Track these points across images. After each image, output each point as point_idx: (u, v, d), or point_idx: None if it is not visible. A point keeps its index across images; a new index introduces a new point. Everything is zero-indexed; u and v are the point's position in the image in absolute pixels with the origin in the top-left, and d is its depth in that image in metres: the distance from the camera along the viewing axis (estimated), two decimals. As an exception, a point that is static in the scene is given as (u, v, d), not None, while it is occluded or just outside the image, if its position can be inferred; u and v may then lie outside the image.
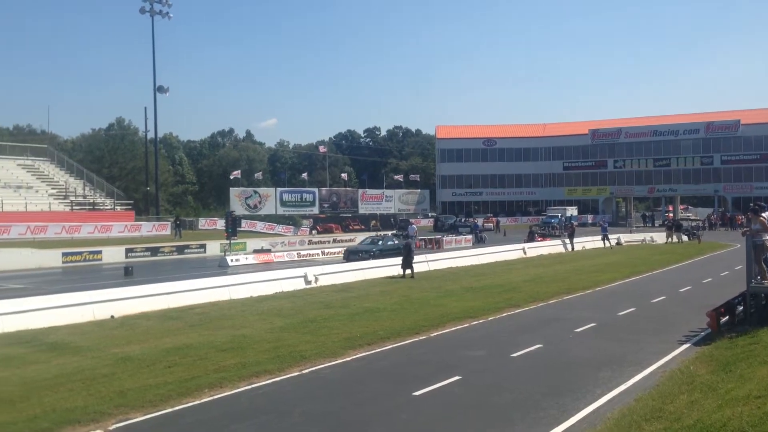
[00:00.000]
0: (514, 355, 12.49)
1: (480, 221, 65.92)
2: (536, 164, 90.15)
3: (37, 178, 55.62)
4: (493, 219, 71.66)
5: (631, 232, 54.54)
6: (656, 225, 71.09)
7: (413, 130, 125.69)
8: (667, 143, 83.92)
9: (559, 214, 67.60)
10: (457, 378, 10.79)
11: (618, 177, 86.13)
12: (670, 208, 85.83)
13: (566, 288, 22.19)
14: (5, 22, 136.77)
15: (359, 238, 52.15)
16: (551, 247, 41.35)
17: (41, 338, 14.35)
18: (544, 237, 50.06)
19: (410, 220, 66.27)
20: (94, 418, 8.86)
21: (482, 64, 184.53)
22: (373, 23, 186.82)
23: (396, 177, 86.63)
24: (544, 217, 70.69)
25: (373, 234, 44.91)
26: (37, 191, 52.96)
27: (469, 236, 51.20)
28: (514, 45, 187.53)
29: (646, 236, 50.17)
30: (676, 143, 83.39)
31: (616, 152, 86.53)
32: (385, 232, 45.38)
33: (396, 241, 36.92)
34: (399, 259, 27.08)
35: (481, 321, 16.44)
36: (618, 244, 45.77)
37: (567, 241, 42.52)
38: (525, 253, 37.16)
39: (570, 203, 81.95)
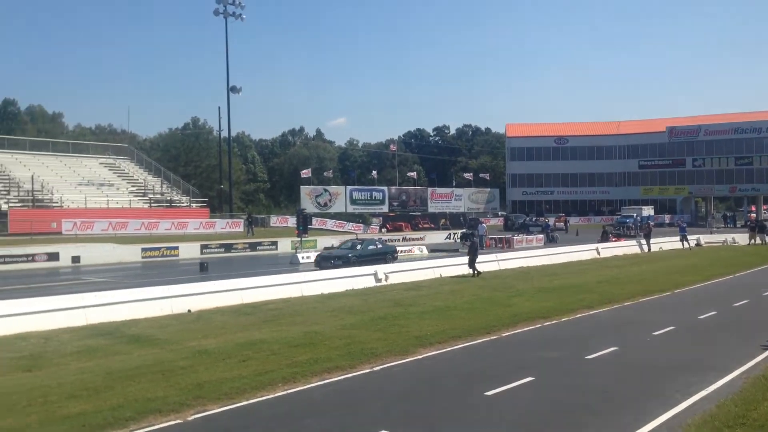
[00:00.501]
0: (589, 357, 12.22)
1: (551, 220, 64.87)
2: (610, 163, 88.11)
3: (118, 176, 57.79)
4: (564, 218, 70.41)
5: (711, 233, 52.57)
6: (738, 226, 68.46)
7: (483, 128, 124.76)
8: (749, 141, 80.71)
9: (635, 214, 65.97)
10: (530, 379, 10.63)
11: (697, 176, 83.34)
12: (753, 209, 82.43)
13: (643, 290, 21.59)
14: (88, 28, 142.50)
15: (429, 236, 52.23)
16: (626, 247, 40.32)
17: (123, 330, 14.89)
18: (618, 237, 48.91)
19: (480, 218, 65.78)
20: (174, 408, 9.11)
21: (553, 61, 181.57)
22: (442, 21, 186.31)
23: (465, 175, 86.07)
24: (618, 216, 69.08)
25: (353, 237, 38.57)
26: (118, 189, 55.02)
27: (541, 236, 50.43)
28: (586, 41, 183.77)
29: (728, 237, 48.33)
30: (759, 141, 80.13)
31: (695, 150, 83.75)
32: (369, 236, 39.64)
33: (380, 246, 33.18)
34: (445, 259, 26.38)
35: (553, 322, 16.16)
36: (697, 245, 44.27)
37: (643, 241, 41.35)
38: (599, 253, 36.35)
39: (646, 203, 79.76)
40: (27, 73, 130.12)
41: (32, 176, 48.64)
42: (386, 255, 31.87)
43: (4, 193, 47.68)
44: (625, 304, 19.00)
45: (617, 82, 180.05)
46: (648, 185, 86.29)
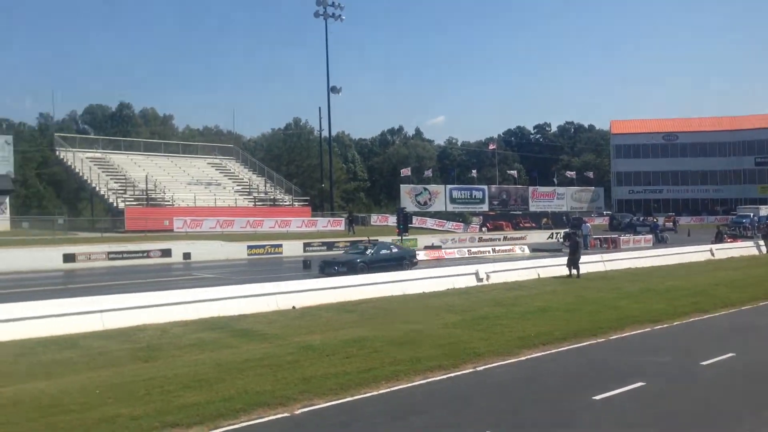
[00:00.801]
0: (704, 363, 11.65)
1: (660, 220, 62.36)
2: (724, 160, 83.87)
3: (224, 176, 59.89)
4: (673, 218, 67.47)
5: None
6: None
7: (585, 125, 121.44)
8: None
9: (751, 214, 62.52)
10: (640, 384, 10.25)
11: (820, 173, 78.22)
12: None
13: (763, 293, 20.37)
14: (194, 33, 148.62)
15: (530, 236, 51.39)
16: (743, 249, 38.19)
17: (232, 325, 15.41)
18: (734, 238, 46.47)
19: (583, 218, 64.05)
20: (281, 402, 9.35)
21: (659, 55, 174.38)
22: (541, 17, 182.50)
23: (568, 174, 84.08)
24: (733, 216, 65.62)
25: (364, 239, 32.75)
26: (224, 188, 57.02)
27: (649, 236, 48.54)
28: (695, 33, 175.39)
29: None
30: None
31: (817, 146, 78.56)
32: (381, 239, 33.38)
33: (395, 249, 29.55)
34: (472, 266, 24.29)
35: (665, 326, 15.51)
36: (821, 246, 41.41)
37: (761, 242, 39.10)
38: (713, 254, 34.59)
39: (764, 202, 75.33)
40: (141, 77, 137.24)
41: (146, 176, 51.12)
42: (402, 260, 28.63)
43: (121, 192, 50.34)
44: (743, 308, 18.03)
45: (727, 75, 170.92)
46: (765, 183, 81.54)
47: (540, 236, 52.89)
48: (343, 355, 12.19)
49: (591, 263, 27.54)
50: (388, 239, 35.45)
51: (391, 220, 57.26)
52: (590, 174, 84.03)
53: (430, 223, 62.96)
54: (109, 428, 8.16)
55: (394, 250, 29.35)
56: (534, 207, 75.71)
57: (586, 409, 9.14)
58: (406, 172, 71.40)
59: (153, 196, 50.43)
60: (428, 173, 79.11)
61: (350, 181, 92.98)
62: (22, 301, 15.68)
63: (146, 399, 9.38)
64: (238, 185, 58.79)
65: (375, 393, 9.96)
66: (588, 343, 13.60)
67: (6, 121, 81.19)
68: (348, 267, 25.91)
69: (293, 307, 17.82)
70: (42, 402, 9.23)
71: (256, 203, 56.15)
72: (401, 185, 70.10)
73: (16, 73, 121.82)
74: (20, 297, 17.90)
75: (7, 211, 46.14)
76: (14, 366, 11.42)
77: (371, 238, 31.57)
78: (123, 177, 52.61)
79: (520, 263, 27.91)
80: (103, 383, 10.27)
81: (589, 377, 10.85)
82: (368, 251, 28.03)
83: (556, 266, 26.77)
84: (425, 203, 69.04)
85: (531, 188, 79.27)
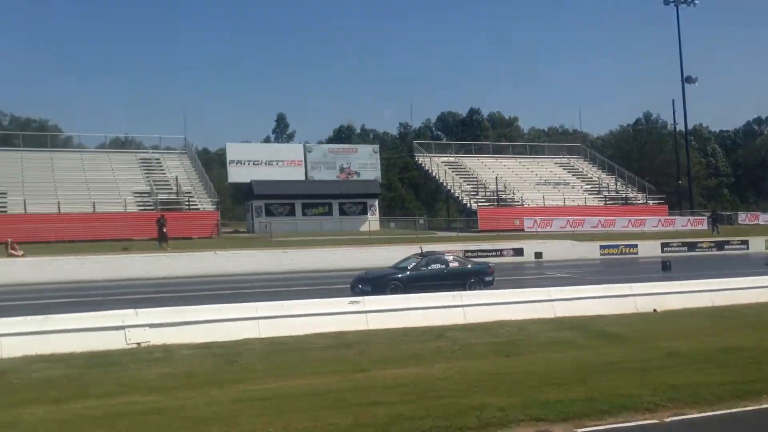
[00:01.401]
0: None
1: None
2: None
3: (572, 175, 59.45)
4: None
5: None
6: None
7: None
8: None
9: None
10: None
11: None
12: None
13: None
14: (538, 37, 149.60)
15: None
16: None
17: (588, 325, 15.13)
18: None
19: None
20: (648, 407, 8.89)
21: None
22: None
23: None
24: None
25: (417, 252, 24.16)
26: (573, 187, 56.59)
27: None
28: None
29: None
30: None
31: None
32: (435, 251, 25.00)
33: (453, 264, 22.20)
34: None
35: None
36: None
37: None
38: None
39: None
40: (489, 83, 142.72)
41: (496, 177, 53.07)
42: (466, 278, 21.58)
43: (473, 193, 52.96)
44: None
45: None
46: None
47: None
48: (716, 364, 11.21)
49: None
50: (456, 249, 29.74)
51: (762, 219, 51.40)
52: None
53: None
54: (479, 415, 8.52)
55: (453, 264, 22.37)
56: None
57: None
58: (779, 164, 63.36)
59: (503, 196, 52.13)
60: (809, 165, 69.06)
61: (711, 177, 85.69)
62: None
63: (510, 392, 9.62)
64: (587, 184, 57.91)
65: (756, 407, 8.97)
66: None
67: (373, 132, 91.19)
68: (374, 285, 20.18)
69: (654, 310, 17.00)
70: (417, 387, 10.01)
71: (607, 202, 54.73)
72: (773, 180, 62.40)
73: (383, 88, 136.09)
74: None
75: (377, 212, 51.66)
76: (393, 351, 12.66)
77: (424, 247, 25.58)
78: (474, 179, 55.31)
79: None
80: (469, 373, 10.81)
81: None
82: (409, 268, 21.73)
83: None
84: (806, 199, 60.42)
85: None
